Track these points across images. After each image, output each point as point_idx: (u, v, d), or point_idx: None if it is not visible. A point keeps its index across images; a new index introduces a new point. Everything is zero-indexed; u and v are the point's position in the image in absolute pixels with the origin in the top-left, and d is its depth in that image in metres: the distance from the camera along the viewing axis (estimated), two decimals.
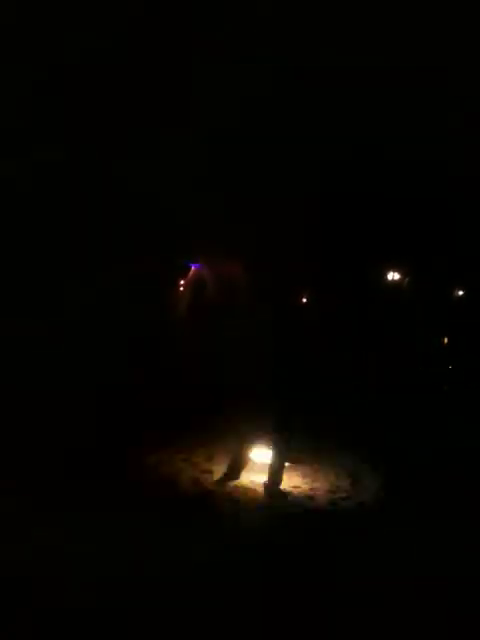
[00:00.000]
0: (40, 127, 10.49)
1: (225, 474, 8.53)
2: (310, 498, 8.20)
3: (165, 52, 10.65)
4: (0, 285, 10.74)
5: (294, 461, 8.99)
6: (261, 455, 8.75)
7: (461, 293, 13.28)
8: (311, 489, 8.47)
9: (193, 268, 12.33)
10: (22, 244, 10.91)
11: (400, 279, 12.76)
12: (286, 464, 8.48)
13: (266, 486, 8.21)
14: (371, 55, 10.71)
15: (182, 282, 12.64)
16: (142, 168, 10.86)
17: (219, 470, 8.72)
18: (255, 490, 8.25)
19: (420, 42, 10.59)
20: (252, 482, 8.46)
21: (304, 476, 8.89)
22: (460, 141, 11.42)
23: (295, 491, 8.35)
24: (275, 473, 8.27)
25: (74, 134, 10.65)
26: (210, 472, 8.77)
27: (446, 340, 14.10)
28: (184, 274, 12.52)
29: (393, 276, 12.74)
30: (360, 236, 12.03)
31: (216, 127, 11.10)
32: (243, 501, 7.92)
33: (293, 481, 8.63)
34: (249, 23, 10.49)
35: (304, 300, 11.46)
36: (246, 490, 8.25)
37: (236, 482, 8.45)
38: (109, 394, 10.32)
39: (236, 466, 8.56)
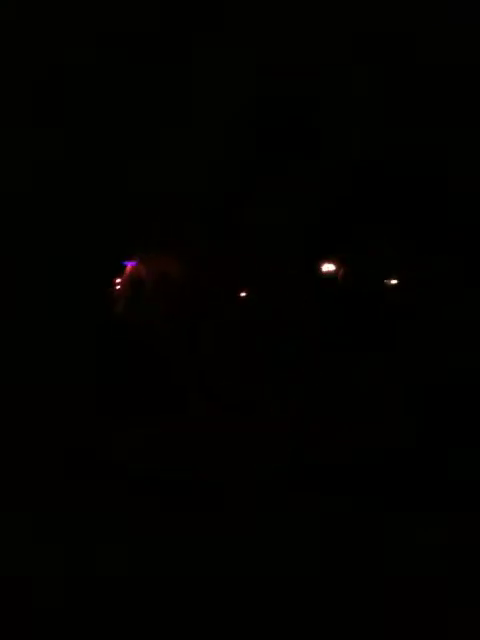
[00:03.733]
0: (40, 127, 10.50)
1: None
2: None
3: (165, 52, 10.66)
4: None
5: None
6: None
7: (394, 282, 12.67)
8: None
9: (128, 266, 12.19)
10: (21, 244, 10.92)
11: (335, 270, 12.26)
12: None
13: None
14: (371, 55, 10.72)
15: (118, 281, 12.44)
16: (142, 168, 10.86)
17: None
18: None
19: (420, 42, 10.60)
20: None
21: None
22: (460, 141, 11.42)
23: None
24: None
25: (74, 134, 10.65)
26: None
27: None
28: (120, 272, 12.34)
29: (328, 268, 12.25)
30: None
31: (216, 127, 11.10)
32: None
33: None
34: (249, 23, 10.50)
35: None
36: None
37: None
38: (104, 391, 10.37)
39: None
